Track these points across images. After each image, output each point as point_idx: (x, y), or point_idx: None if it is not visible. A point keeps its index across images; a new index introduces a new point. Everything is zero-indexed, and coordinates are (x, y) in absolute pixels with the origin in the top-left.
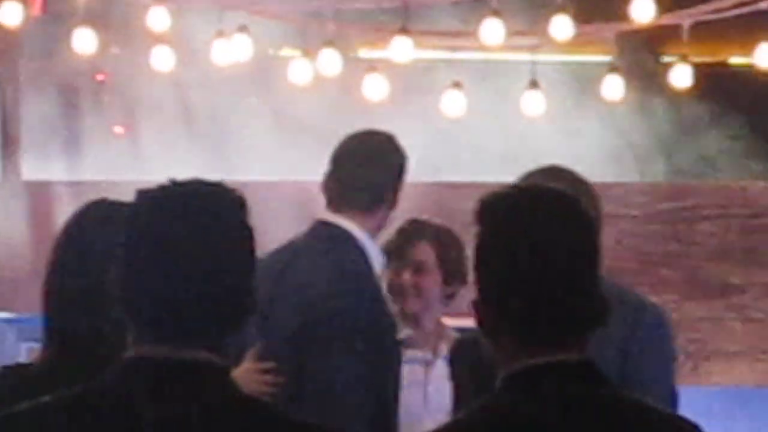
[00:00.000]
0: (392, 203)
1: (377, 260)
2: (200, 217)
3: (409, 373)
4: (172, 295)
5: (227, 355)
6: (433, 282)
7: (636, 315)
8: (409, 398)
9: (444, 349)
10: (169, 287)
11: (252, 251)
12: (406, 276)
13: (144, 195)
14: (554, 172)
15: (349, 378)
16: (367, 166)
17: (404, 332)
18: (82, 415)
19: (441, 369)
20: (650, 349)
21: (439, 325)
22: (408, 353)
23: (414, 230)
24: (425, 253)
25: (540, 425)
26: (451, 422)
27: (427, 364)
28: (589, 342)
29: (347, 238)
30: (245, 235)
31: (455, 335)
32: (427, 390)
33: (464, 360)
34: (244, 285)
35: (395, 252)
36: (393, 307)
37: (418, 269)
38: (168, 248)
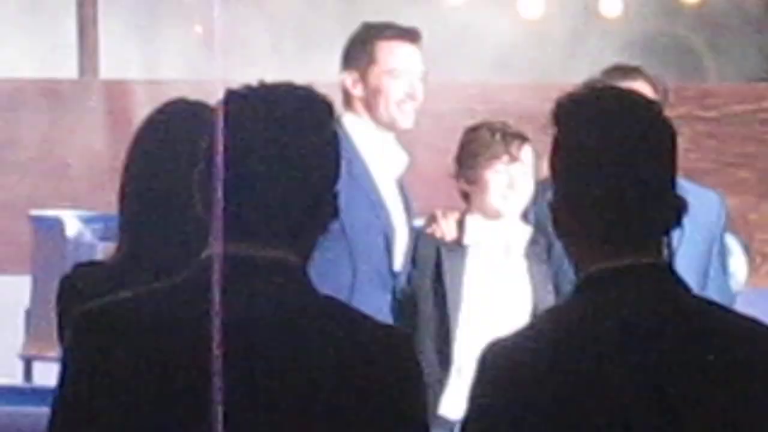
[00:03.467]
0: None
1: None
2: (289, 119)
3: (482, 274)
4: (253, 193)
5: (308, 256)
6: None
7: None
8: (481, 298)
9: (518, 245)
10: (253, 187)
11: (337, 157)
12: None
13: (233, 95)
14: (631, 70)
15: None
16: None
17: (470, 237)
18: (161, 311)
19: (514, 266)
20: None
21: None
22: (478, 254)
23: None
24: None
25: (617, 327)
26: (530, 325)
27: (503, 261)
28: (666, 244)
29: None
30: (332, 140)
31: (528, 228)
32: (500, 290)
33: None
34: (328, 189)
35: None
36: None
37: (526, 171)
38: (252, 147)
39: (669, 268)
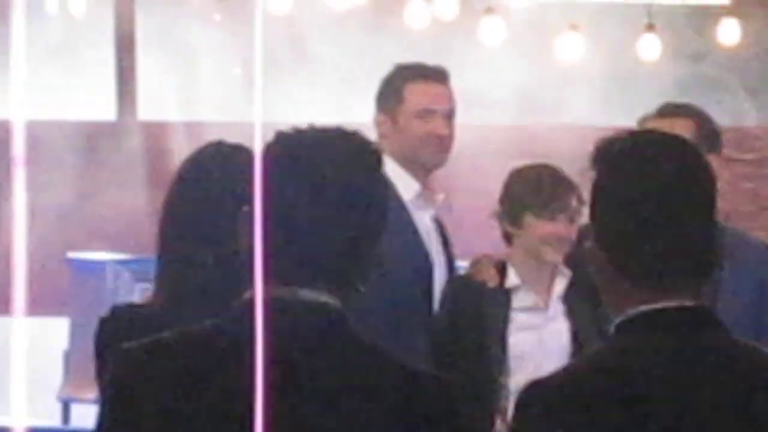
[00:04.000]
0: None
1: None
2: (337, 163)
3: (523, 317)
4: (298, 236)
5: (350, 301)
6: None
7: (763, 256)
8: (523, 341)
9: (558, 288)
10: (295, 228)
11: (384, 203)
12: (564, 225)
13: (282, 135)
14: (678, 109)
15: None
16: None
17: (512, 280)
18: (199, 353)
19: (556, 309)
20: None
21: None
22: (521, 297)
23: (570, 180)
24: (577, 203)
25: (655, 371)
26: (567, 367)
27: (544, 306)
28: (704, 287)
29: None
30: (379, 186)
31: (568, 273)
32: (541, 333)
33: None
34: (374, 235)
35: (551, 200)
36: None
37: (572, 221)
38: (299, 190)
39: (709, 312)
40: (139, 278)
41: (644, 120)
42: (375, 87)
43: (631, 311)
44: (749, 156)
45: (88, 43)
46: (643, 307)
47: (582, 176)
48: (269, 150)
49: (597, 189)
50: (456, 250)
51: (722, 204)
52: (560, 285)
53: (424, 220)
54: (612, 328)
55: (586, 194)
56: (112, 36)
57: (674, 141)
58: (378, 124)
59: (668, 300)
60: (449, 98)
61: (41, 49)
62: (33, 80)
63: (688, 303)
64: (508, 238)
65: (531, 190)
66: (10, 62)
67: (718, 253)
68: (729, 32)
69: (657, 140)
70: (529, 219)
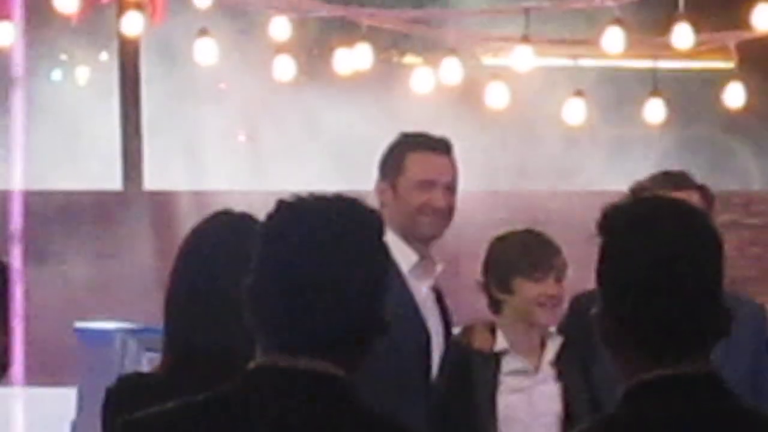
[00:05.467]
0: None
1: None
2: (337, 232)
3: (513, 381)
4: (302, 306)
5: (356, 370)
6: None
7: (761, 317)
8: (513, 404)
9: (549, 353)
10: (299, 299)
11: (384, 271)
12: (553, 286)
13: (283, 205)
14: (679, 178)
15: None
16: None
17: (501, 344)
18: (203, 423)
19: (547, 373)
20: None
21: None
22: (510, 361)
23: (554, 242)
24: (564, 262)
25: None
26: None
27: (534, 370)
28: (712, 354)
29: None
30: (379, 254)
31: (559, 338)
32: (531, 396)
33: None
34: (374, 303)
35: (539, 261)
36: (535, 320)
37: (559, 280)
38: (302, 260)
39: (717, 378)
40: (147, 347)
41: (639, 188)
42: (381, 151)
43: (642, 378)
44: (755, 220)
45: (93, 112)
46: (651, 374)
47: (589, 242)
48: (270, 220)
49: (605, 255)
50: (461, 313)
51: (727, 269)
52: (552, 350)
53: (421, 290)
54: (622, 394)
55: (593, 261)
56: (117, 104)
57: (683, 208)
58: (379, 192)
59: (677, 367)
60: (450, 169)
61: (47, 116)
62: (39, 148)
63: (698, 369)
64: (495, 305)
65: (518, 253)
66: (10, 132)
67: (727, 320)
68: (734, 95)
69: (665, 207)
70: (518, 282)
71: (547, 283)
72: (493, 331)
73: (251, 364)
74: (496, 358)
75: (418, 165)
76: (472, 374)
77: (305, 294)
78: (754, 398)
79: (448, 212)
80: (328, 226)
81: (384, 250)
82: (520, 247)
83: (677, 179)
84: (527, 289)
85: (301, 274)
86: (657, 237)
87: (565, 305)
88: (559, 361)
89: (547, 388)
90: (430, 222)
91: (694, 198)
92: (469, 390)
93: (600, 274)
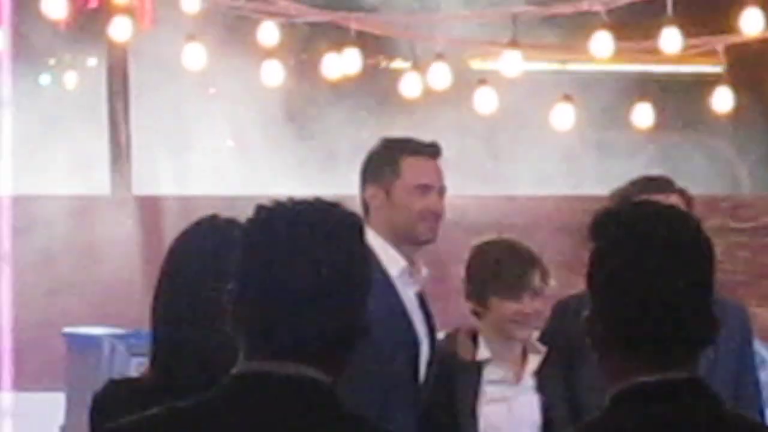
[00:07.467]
0: None
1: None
2: (317, 236)
3: (494, 390)
4: (284, 311)
5: (339, 374)
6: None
7: (743, 318)
8: (494, 413)
9: (532, 364)
10: (281, 304)
11: (366, 274)
12: (529, 303)
13: (262, 210)
14: (662, 182)
15: None
16: None
17: (483, 353)
18: (187, 429)
19: (528, 383)
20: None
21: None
22: (491, 370)
23: (531, 255)
24: (539, 278)
25: None
26: None
27: (515, 380)
28: (699, 359)
29: None
30: (360, 257)
31: (542, 348)
32: (512, 405)
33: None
34: (356, 307)
35: (514, 282)
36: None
37: (537, 295)
38: (282, 265)
39: (704, 384)
40: (135, 353)
41: (620, 194)
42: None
43: (630, 382)
44: (744, 225)
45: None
46: (640, 379)
47: (577, 246)
48: (250, 225)
49: (596, 260)
50: (449, 318)
51: (717, 273)
52: (534, 361)
53: (408, 295)
54: (609, 399)
55: (581, 265)
56: (105, 109)
57: (673, 213)
58: (369, 197)
59: (665, 372)
60: (441, 174)
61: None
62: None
63: (685, 375)
64: (476, 314)
65: (492, 272)
66: None
67: (716, 328)
68: (722, 99)
69: (656, 211)
70: (493, 301)
71: (522, 302)
72: (475, 338)
73: (234, 370)
74: (478, 367)
75: (414, 169)
76: (455, 382)
77: (287, 299)
78: (738, 396)
79: (441, 217)
80: (308, 231)
81: (365, 254)
82: (495, 266)
83: (657, 183)
84: (503, 308)
85: (281, 279)
86: (648, 243)
87: (548, 312)
88: (540, 372)
89: (528, 398)
90: (429, 227)
91: (673, 201)
92: (451, 398)
93: (590, 279)
